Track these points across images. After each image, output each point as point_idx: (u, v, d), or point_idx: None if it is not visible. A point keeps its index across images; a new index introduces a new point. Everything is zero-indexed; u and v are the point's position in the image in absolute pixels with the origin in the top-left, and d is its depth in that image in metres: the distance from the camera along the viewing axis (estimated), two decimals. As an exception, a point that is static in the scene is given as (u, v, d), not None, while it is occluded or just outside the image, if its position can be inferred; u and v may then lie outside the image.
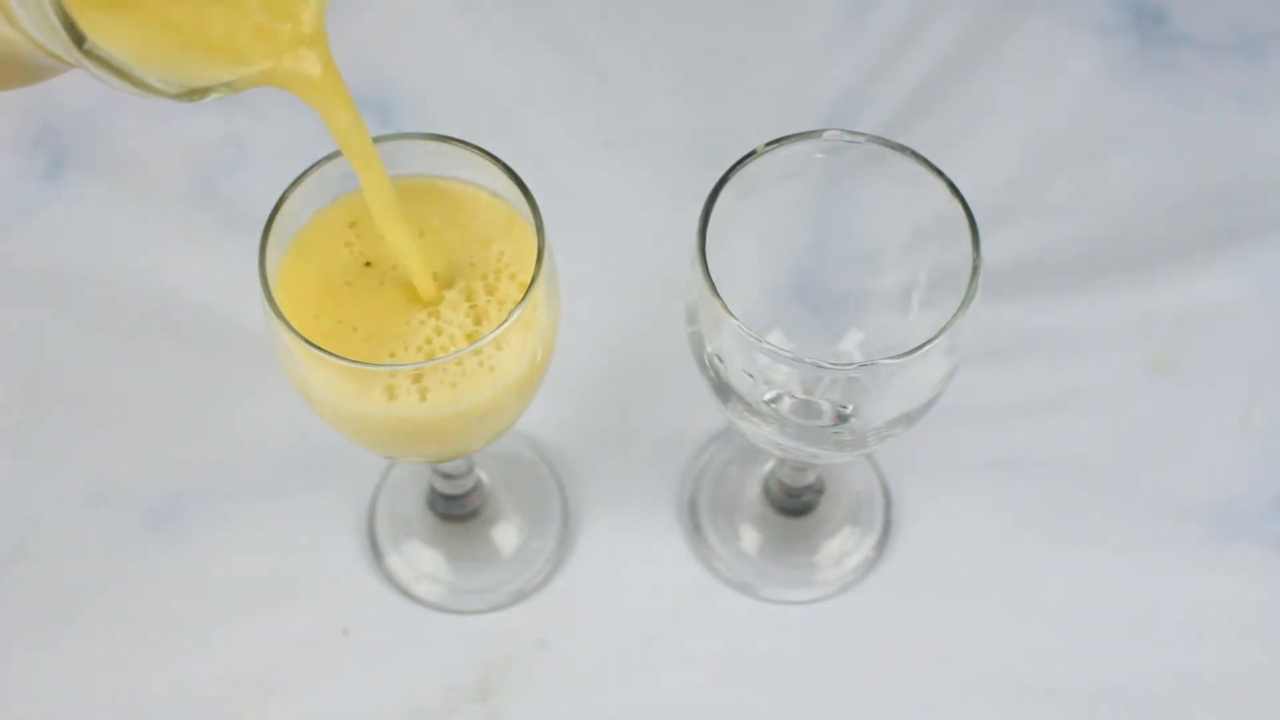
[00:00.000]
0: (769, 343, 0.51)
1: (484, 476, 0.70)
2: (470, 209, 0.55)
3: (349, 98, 0.48)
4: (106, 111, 0.78)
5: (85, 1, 0.41)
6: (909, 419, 0.55)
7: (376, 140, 0.53)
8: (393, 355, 0.53)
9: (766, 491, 0.70)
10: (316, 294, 0.54)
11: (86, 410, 0.71)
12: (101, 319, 0.73)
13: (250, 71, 0.46)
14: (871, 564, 0.68)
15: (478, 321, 0.53)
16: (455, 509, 0.69)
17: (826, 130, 0.55)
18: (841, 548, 0.69)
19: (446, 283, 0.54)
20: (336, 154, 0.54)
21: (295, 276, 0.54)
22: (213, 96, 0.44)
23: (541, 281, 0.52)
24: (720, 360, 0.54)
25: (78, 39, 0.39)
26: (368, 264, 0.54)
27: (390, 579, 0.68)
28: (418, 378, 0.51)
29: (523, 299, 0.51)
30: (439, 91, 0.79)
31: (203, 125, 0.78)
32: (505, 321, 0.51)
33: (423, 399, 0.51)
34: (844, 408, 0.56)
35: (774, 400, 0.56)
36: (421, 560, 0.68)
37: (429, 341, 0.53)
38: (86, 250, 0.74)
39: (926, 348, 0.51)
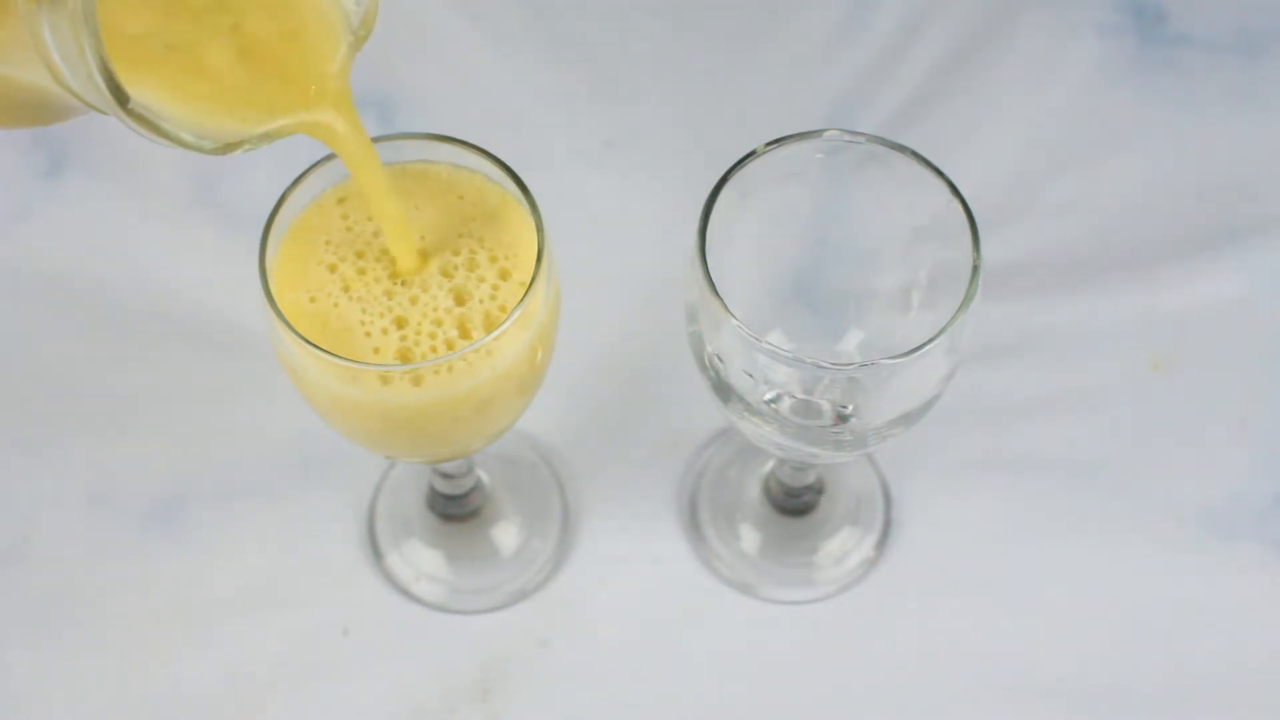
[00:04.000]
0: (769, 343, 0.51)
1: (484, 476, 0.70)
2: (457, 191, 0.55)
3: (371, 147, 0.50)
4: (106, 111, 0.78)
5: (121, 59, 0.41)
6: (909, 419, 0.55)
7: (376, 140, 0.54)
8: (384, 332, 0.53)
9: (766, 491, 0.70)
10: (308, 275, 0.54)
11: (86, 410, 0.71)
12: (101, 319, 0.73)
13: (279, 125, 0.47)
14: (871, 564, 0.68)
15: (460, 301, 0.53)
16: (455, 509, 0.69)
17: (826, 130, 0.55)
18: (841, 548, 0.69)
19: (422, 256, 0.54)
20: (335, 155, 0.54)
21: (288, 261, 0.54)
22: (245, 149, 0.45)
23: (542, 279, 0.52)
24: (720, 360, 0.54)
25: (122, 99, 0.40)
26: (356, 238, 0.55)
27: (390, 579, 0.68)
28: (408, 360, 0.51)
29: (523, 298, 0.51)
30: (439, 91, 0.79)
31: (203, 125, 0.78)
32: (505, 322, 0.51)
33: (417, 384, 0.51)
34: (844, 408, 0.56)
35: (774, 400, 0.56)
36: (421, 560, 0.68)
37: (411, 310, 0.53)
38: (86, 250, 0.74)
39: (926, 348, 0.51)
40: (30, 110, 0.45)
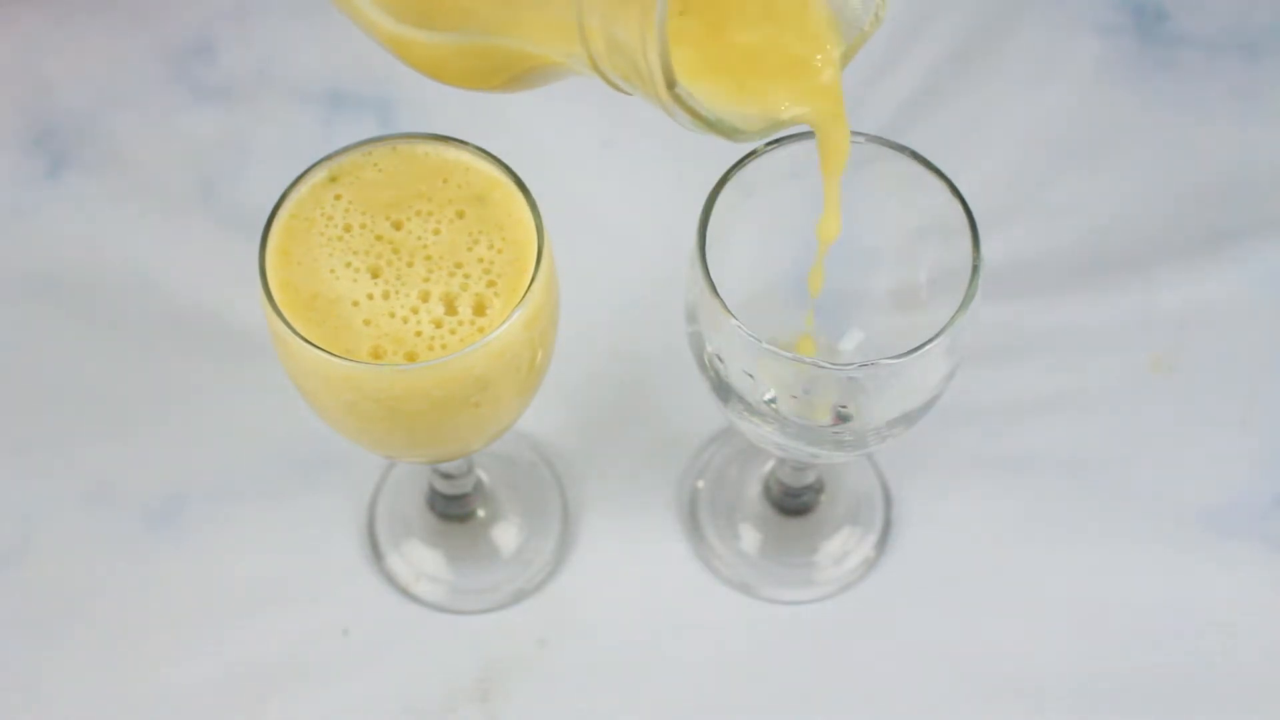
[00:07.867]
0: (769, 343, 0.51)
1: (484, 476, 0.70)
2: (443, 175, 0.55)
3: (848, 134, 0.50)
4: (106, 111, 0.78)
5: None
6: (909, 419, 0.55)
7: (376, 140, 0.55)
8: (375, 316, 0.53)
9: (766, 491, 0.70)
10: (304, 257, 0.53)
11: (86, 410, 0.71)
12: (101, 319, 0.73)
13: (785, 116, 0.46)
14: (871, 564, 0.68)
15: (451, 310, 0.53)
16: (455, 509, 0.69)
17: (827, 130, 0.55)
18: (841, 548, 0.69)
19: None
20: (335, 154, 0.54)
21: (284, 244, 0.54)
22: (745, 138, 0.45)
23: (540, 281, 0.52)
24: (720, 360, 0.54)
25: (671, 83, 0.39)
26: (346, 220, 0.54)
27: (390, 579, 0.68)
28: (399, 339, 0.51)
29: (522, 300, 0.51)
30: (439, 91, 0.79)
31: (203, 125, 0.78)
32: (504, 322, 0.51)
33: (410, 360, 0.51)
34: (844, 408, 0.56)
35: (774, 400, 0.56)
36: (421, 560, 0.68)
37: (404, 288, 0.53)
38: (86, 250, 0.74)
39: (926, 348, 0.51)
40: (500, 76, 0.45)
